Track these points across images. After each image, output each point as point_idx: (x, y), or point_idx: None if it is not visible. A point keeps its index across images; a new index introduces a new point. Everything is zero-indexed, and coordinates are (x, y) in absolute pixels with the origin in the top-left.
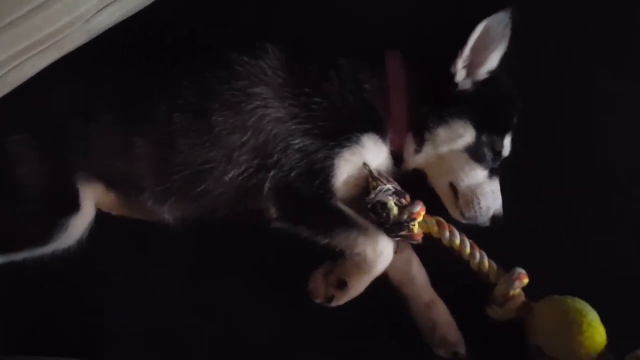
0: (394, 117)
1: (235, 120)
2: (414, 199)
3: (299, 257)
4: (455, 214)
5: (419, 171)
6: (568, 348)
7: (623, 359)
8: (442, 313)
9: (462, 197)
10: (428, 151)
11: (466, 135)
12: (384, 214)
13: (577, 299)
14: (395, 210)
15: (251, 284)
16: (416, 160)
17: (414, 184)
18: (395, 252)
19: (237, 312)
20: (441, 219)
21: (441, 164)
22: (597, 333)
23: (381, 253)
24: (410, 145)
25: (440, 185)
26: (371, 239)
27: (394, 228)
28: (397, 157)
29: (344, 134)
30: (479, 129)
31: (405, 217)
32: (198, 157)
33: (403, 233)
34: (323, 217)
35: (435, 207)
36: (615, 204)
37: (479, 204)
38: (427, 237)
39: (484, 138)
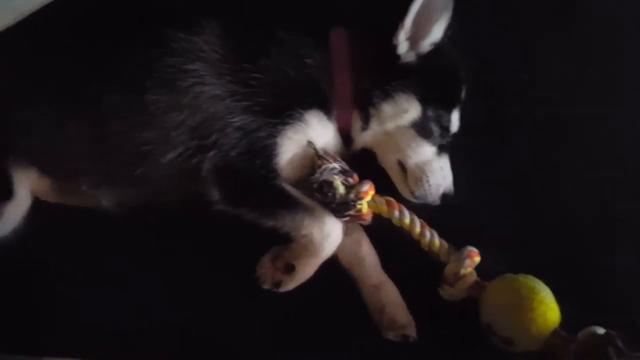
0: (338, 93)
1: (170, 98)
2: (364, 179)
3: (250, 241)
4: (404, 192)
5: (370, 152)
6: (519, 325)
7: (576, 337)
8: (391, 294)
9: (411, 175)
10: (374, 128)
11: (411, 109)
12: (330, 194)
13: (529, 277)
14: (341, 189)
15: (200, 271)
16: (363, 138)
17: (368, 165)
18: (345, 234)
19: (187, 299)
20: (390, 199)
21: (388, 141)
22: (549, 310)
23: (328, 234)
24: (356, 122)
25: (389, 164)
26: (317, 220)
27: (341, 208)
28: (345, 136)
29: (286, 111)
30: (424, 103)
31: (352, 196)
32: (133, 138)
33: (350, 213)
34: (266, 198)
35: (389, 189)
36: (571, 179)
37: (428, 181)
38: (378, 217)
39: (430, 112)
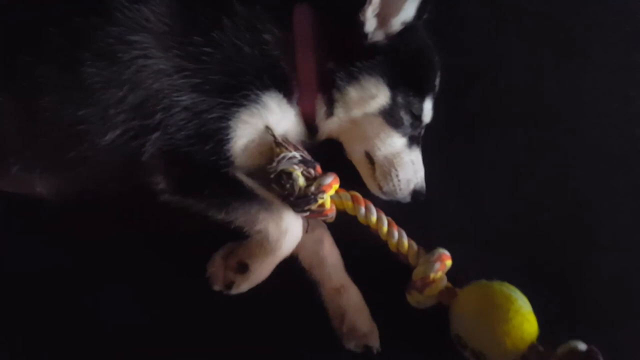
0: (300, 74)
1: (109, 72)
2: (328, 171)
3: (200, 237)
4: (372, 187)
5: (336, 142)
6: (492, 337)
7: (555, 352)
8: (353, 299)
9: (379, 168)
10: (340, 114)
11: (379, 95)
12: (288, 185)
13: (505, 284)
14: (301, 181)
15: (145, 267)
16: (328, 125)
17: (334, 156)
18: (305, 231)
19: (129, 297)
20: (356, 194)
21: (355, 130)
22: (525, 321)
23: (286, 231)
24: (320, 108)
25: (356, 155)
26: (274, 215)
27: (300, 201)
28: (308, 123)
29: (241, 91)
30: (394, 88)
31: (313, 189)
32: (66, 116)
33: (311, 207)
34: (217, 188)
35: (356, 183)
36: (550, 178)
37: (397, 176)
38: (342, 213)
39: (400, 99)
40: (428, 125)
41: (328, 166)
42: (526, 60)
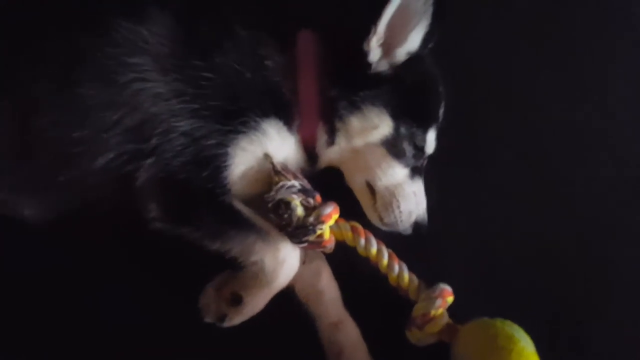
0: (302, 101)
1: (106, 94)
2: (328, 201)
3: (194, 266)
4: (373, 218)
5: (337, 170)
6: None
7: None
8: (350, 335)
9: (380, 198)
10: (341, 143)
11: (382, 125)
12: (286, 215)
13: (508, 322)
14: (300, 211)
15: (135, 296)
16: (329, 154)
17: (334, 185)
18: (303, 262)
19: (118, 324)
20: (356, 224)
21: (356, 160)
22: None
23: (283, 262)
24: (321, 136)
25: (357, 185)
26: (271, 245)
27: (298, 232)
28: (308, 150)
29: (240, 117)
30: (397, 118)
31: (312, 219)
32: (59, 137)
33: (309, 238)
34: (212, 217)
35: (356, 213)
36: (561, 215)
37: (399, 207)
38: (341, 245)
39: (403, 130)
40: (432, 156)
41: (328, 194)
42: (534, 91)
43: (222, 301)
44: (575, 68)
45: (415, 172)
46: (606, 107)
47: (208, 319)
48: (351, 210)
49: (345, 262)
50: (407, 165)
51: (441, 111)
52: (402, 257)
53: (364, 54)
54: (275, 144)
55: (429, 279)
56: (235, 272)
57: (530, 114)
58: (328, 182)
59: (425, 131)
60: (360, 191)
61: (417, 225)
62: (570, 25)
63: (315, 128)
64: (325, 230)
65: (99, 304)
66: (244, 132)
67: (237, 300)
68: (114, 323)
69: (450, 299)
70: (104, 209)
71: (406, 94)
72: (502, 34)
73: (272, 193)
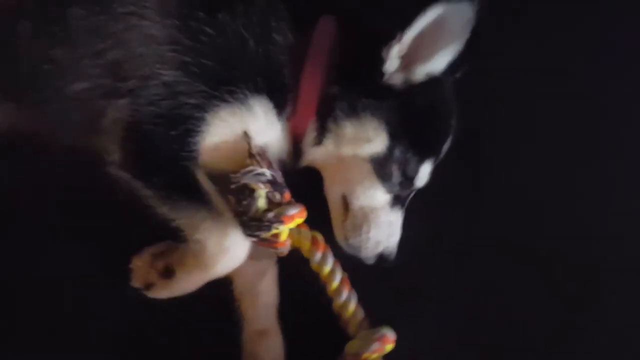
0: (301, 89)
1: (97, 20)
2: (298, 203)
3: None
4: (339, 235)
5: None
6: None
7: None
8: (272, 349)
9: (352, 217)
10: (329, 146)
11: (376, 140)
12: (245, 202)
13: None
14: (262, 203)
15: (67, 239)
16: (314, 154)
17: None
18: (251, 257)
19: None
20: (319, 236)
21: (339, 169)
22: None
23: (227, 249)
24: (311, 132)
25: (332, 195)
26: (220, 229)
27: (253, 224)
28: (294, 144)
29: (229, 85)
30: (394, 138)
31: (272, 215)
32: (39, 50)
33: (261, 234)
34: (168, 179)
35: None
36: (545, 276)
37: (368, 233)
38: (296, 252)
39: (397, 152)
40: (421, 190)
41: (302, 196)
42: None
43: (154, 270)
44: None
45: (397, 201)
46: None
47: (134, 283)
48: (320, 220)
49: (295, 270)
50: (390, 191)
51: (445, 147)
52: (360, 285)
53: (380, 61)
54: (259, 125)
55: (381, 317)
56: (176, 244)
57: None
58: (308, 184)
59: (420, 161)
60: (334, 203)
61: (381, 258)
62: None
63: (306, 121)
64: (283, 232)
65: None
66: (228, 102)
67: (169, 274)
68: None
69: (389, 346)
70: (65, 139)
71: (412, 116)
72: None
73: (239, 175)
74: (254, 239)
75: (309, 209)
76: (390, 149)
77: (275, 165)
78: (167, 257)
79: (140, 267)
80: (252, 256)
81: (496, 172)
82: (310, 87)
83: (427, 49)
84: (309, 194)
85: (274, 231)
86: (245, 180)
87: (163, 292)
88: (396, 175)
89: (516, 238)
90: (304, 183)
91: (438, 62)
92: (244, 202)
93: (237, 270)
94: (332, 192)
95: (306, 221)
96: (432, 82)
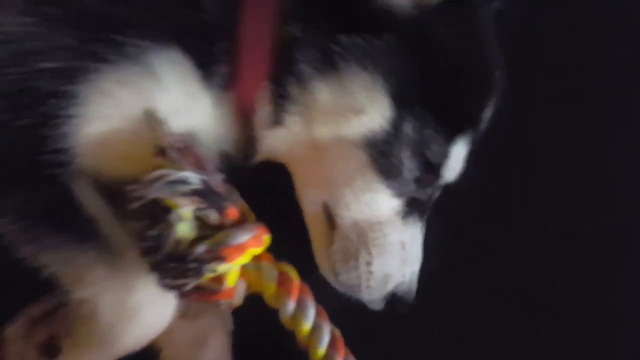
0: (242, 36)
1: None
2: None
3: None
4: (323, 265)
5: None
6: None
7: None
8: None
9: (342, 240)
10: (293, 127)
11: (370, 110)
12: (155, 232)
13: None
14: (184, 229)
15: None
16: (272, 140)
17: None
18: (181, 315)
19: None
20: (290, 272)
21: (314, 162)
22: None
23: (134, 312)
24: (263, 106)
25: (309, 206)
26: (120, 278)
27: (171, 267)
28: (242, 128)
29: (114, 34)
30: (401, 105)
31: (203, 249)
32: None
33: (188, 281)
34: (30, 200)
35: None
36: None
37: (369, 263)
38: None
39: (408, 128)
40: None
41: (268, 210)
42: None
43: (29, 345)
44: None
45: (413, 208)
46: None
47: None
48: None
49: (255, 313)
50: (400, 194)
51: (487, 112)
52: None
53: None
54: (173, 98)
55: None
56: (52, 305)
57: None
58: (275, 186)
59: (449, 140)
60: (312, 218)
61: (394, 300)
62: None
63: (254, 88)
64: (229, 274)
65: None
66: (112, 62)
67: (52, 352)
68: None
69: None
70: None
71: (429, 65)
72: None
73: (142, 185)
74: (178, 291)
75: (279, 228)
76: (396, 124)
77: (209, 164)
78: (50, 326)
79: (14, 340)
80: (187, 314)
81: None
82: (255, 29)
83: None
84: (279, 204)
85: (208, 275)
86: (155, 193)
87: None
88: (409, 167)
89: None
90: (268, 186)
91: None
92: (153, 232)
93: (163, 338)
94: (308, 202)
95: (273, 249)
96: (461, 5)
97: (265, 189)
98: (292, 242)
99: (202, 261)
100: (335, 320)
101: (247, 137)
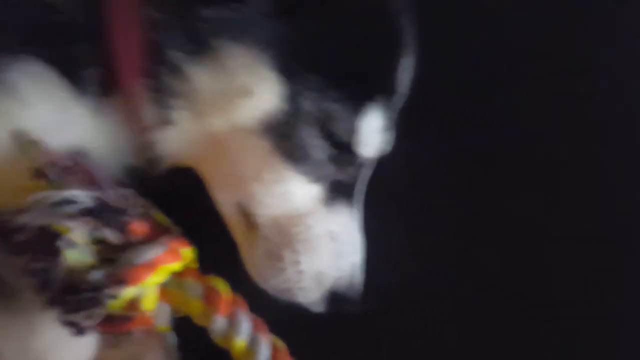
0: (110, 28)
1: None
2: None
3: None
4: (252, 271)
5: None
6: None
7: None
8: None
9: (263, 241)
10: (186, 124)
11: (258, 87)
12: (43, 265)
13: None
14: (75, 256)
15: None
16: (170, 142)
17: None
18: (112, 346)
19: None
20: (219, 285)
21: (217, 159)
22: None
23: (40, 356)
24: (146, 104)
25: (224, 208)
26: (20, 322)
27: (68, 299)
28: (137, 134)
29: None
30: (292, 75)
31: (100, 275)
32: None
33: (92, 313)
34: None
35: None
36: None
37: (296, 262)
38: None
39: (307, 104)
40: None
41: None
42: None
43: None
44: None
45: (338, 192)
46: None
47: None
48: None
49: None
50: (316, 178)
51: (401, 73)
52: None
53: None
54: (41, 115)
55: None
56: None
57: None
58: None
59: (357, 109)
60: (230, 221)
61: (337, 298)
62: None
63: (131, 86)
64: (144, 298)
65: None
66: None
67: None
68: None
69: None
70: None
71: (317, 21)
72: None
73: (22, 212)
74: (84, 326)
75: (209, 238)
76: (291, 100)
77: (104, 180)
78: None
79: None
80: (112, 344)
81: None
82: (121, 21)
83: None
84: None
85: (114, 303)
86: (38, 219)
87: None
88: (316, 147)
89: None
90: (190, 194)
91: None
92: (38, 265)
93: None
94: (223, 204)
95: (204, 261)
96: None
97: (187, 197)
98: (225, 251)
99: (99, 289)
100: (281, 329)
101: (141, 143)
